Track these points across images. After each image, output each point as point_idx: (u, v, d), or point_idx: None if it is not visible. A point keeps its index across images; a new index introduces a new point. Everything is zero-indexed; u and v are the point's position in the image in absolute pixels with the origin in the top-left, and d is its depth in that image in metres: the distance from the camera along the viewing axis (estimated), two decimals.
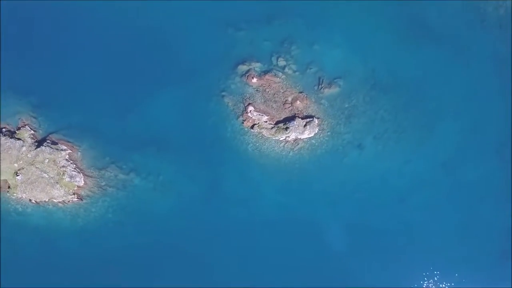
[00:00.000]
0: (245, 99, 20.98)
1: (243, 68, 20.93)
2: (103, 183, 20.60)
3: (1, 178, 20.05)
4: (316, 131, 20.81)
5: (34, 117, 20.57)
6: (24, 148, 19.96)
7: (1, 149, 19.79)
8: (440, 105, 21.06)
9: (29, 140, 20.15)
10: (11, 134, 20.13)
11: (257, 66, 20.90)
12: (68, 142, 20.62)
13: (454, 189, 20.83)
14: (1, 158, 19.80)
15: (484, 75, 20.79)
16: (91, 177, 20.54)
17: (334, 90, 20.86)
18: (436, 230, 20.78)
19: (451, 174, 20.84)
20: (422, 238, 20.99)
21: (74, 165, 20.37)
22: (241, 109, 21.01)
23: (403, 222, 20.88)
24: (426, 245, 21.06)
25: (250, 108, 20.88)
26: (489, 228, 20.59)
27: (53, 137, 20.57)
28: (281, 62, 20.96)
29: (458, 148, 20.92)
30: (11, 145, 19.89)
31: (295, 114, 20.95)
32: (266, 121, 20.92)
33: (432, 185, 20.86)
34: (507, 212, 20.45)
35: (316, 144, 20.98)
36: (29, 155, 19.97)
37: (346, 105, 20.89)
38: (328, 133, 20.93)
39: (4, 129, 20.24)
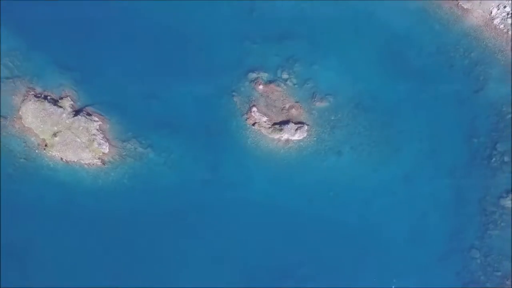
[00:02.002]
0: (251, 101, 25.31)
1: (252, 75, 25.26)
2: (124, 153, 24.70)
3: (41, 137, 24.11)
4: (305, 135, 25.13)
5: (75, 91, 24.67)
6: (64, 115, 24.05)
7: (45, 113, 23.89)
8: (409, 128, 25.53)
9: (69, 109, 24.24)
10: (55, 102, 24.19)
11: (264, 75, 25.22)
12: (101, 115, 24.73)
13: (411, 198, 25.28)
14: (44, 121, 23.89)
15: (446, 109, 25.36)
16: (115, 146, 24.64)
17: (324, 104, 25.24)
18: (392, 230, 25.19)
19: (410, 185, 25.27)
20: (379, 236, 25.36)
21: (103, 135, 24.46)
22: (246, 108, 25.31)
23: (365, 220, 25.27)
24: (382, 243, 25.42)
25: (254, 109, 25.19)
26: (434, 234, 25.07)
27: (89, 109, 24.68)
28: (285, 75, 25.32)
29: (418, 165, 25.36)
30: (54, 111, 23.97)
31: (290, 119, 25.27)
32: (265, 121, 25.22)
33: (393, 192, 25.27)
34: (452, 220, 25.00)
35: (303, 146, 25.34)
36: (67, 121, 24.06)
37: (332, 118, 25.28)
38: (314, 139, 25.29)
39: (49, 97, 24.31)
